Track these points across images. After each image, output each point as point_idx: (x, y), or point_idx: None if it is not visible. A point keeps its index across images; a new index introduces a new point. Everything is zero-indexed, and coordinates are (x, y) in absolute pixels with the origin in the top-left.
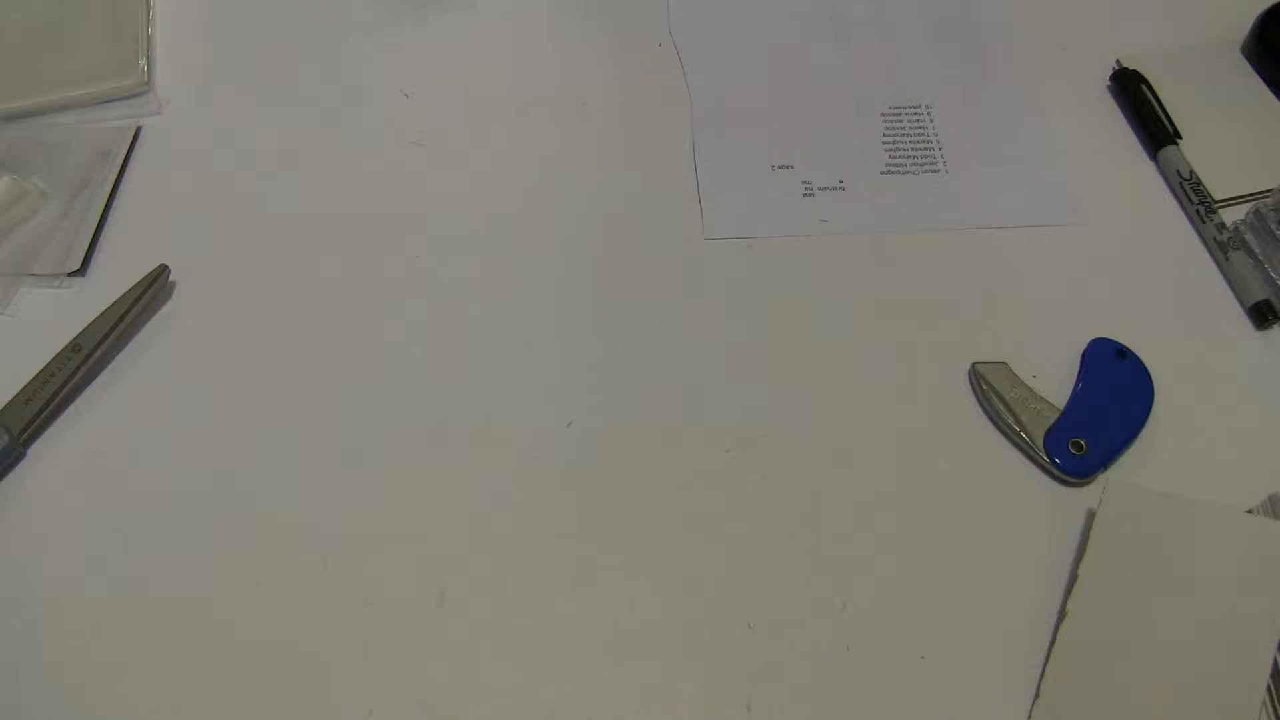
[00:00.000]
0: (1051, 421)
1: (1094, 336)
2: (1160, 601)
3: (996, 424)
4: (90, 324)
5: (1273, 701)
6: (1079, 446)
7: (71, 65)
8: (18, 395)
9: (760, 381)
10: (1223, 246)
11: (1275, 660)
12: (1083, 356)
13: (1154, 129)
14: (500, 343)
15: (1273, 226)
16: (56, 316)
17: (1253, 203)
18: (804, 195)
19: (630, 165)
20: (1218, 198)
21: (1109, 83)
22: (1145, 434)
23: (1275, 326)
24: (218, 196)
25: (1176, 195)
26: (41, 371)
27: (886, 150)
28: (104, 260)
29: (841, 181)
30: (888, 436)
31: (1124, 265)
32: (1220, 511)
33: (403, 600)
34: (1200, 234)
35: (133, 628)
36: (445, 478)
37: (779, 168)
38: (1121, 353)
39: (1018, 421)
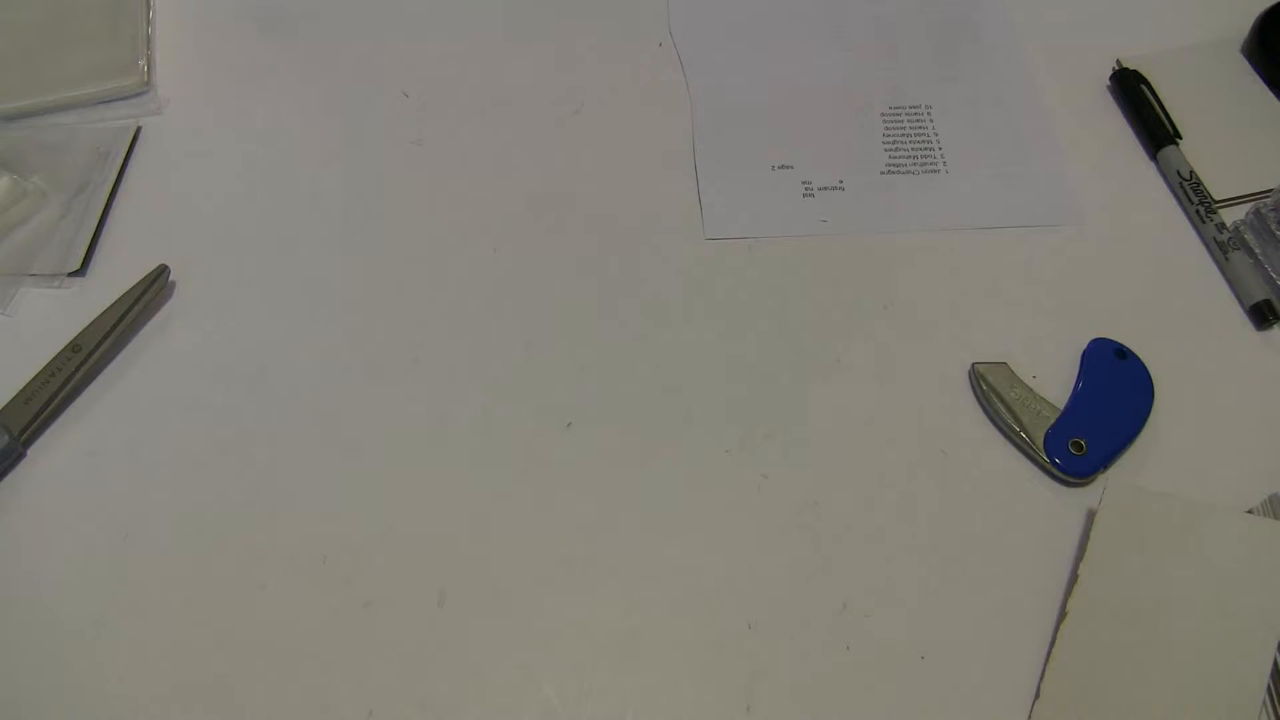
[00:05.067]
0: (1051, 421)
1: (1094, 336)
2: (1160, 601)
3: (996, 424)
4: (90, 324)
5: (1273, 701)
6: (1079, 446)
7: (71, 65)
8: (18, 395)
9: (760, 381)
10: (1223, 246)
11: (1275, 660)
12: (1083, 356)
13: (1154, 129)
14: (500, 343)
15: (1273, 226)
16: (56, 316)
17: (1253, 203)
18: (804, 195)
19: (630, 165)
20: (1218, 198)
21: (1109, 83)
22: (1145, 434)
23: (1275, 326)
24: (218, 196)
25: (1176, 195)
26: (41, 371)
27: (886, 150)
28: (104, 260)
29: (841, 181)
30: (888, 436)
31: (1124, 265)
32: (1220, 511)
33: (403, 600)
34: (1200, 234)
35: (133, 628)
36: (445, 478)
37: (779, 168)
38: (1121, 353)
39: (1018, 421)
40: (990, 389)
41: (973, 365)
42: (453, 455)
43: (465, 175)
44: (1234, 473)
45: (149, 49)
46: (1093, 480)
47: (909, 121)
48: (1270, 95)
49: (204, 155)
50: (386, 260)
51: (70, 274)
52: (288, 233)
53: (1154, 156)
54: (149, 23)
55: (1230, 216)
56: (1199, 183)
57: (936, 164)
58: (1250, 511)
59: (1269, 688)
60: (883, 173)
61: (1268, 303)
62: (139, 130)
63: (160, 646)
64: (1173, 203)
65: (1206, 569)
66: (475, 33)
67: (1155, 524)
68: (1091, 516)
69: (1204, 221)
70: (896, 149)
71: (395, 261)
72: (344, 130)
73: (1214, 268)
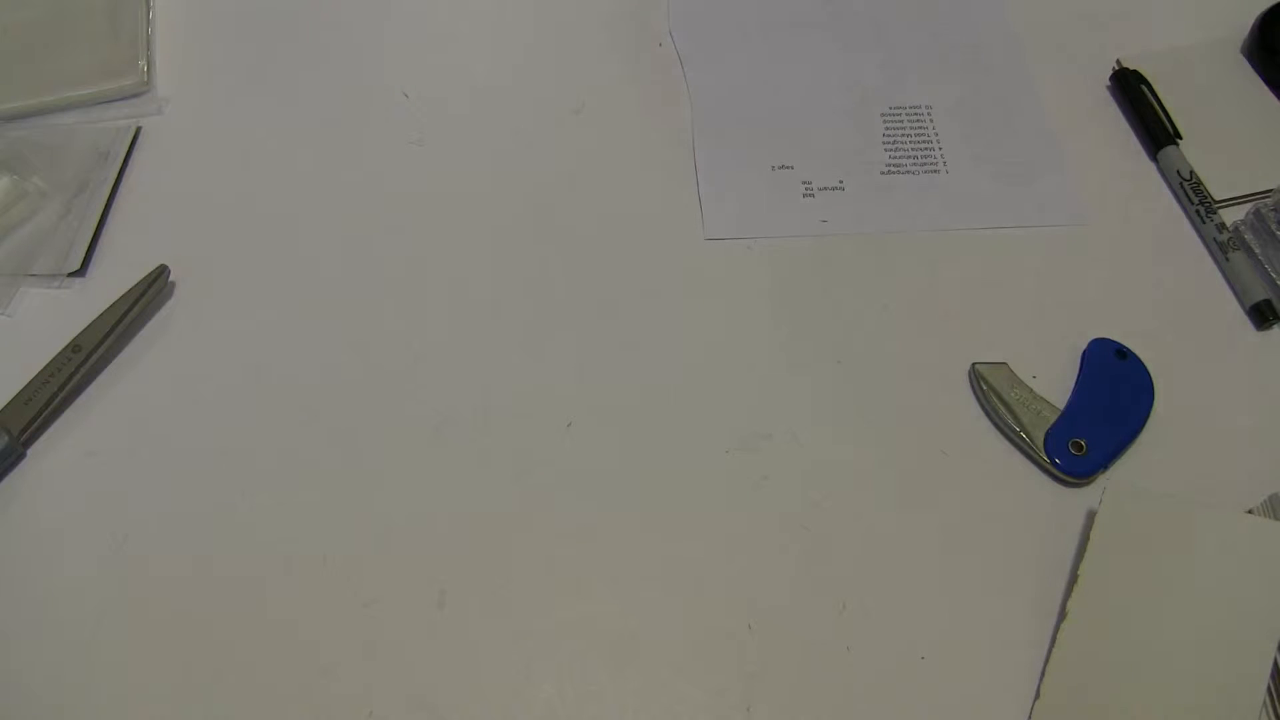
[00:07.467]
0: (1051, 422)
1: (1094, 336)
2: (1160, 601)
3: (996, 424)
4: (90, 324)
5: (1273, 701)
6: (1079, 447)
7: (71, 65)
8: (18, 395)
9: (760, 381)
10: (1223, 246)
11: (1275, 660)
12: (1083, 356)
13: (1154, 129)
14: (500, 343)
15: (1273, 226)
16: (56, 316)
17: (1253, 203)
18: (804, 195)
19: (630, 165)
20: (1218, 198)
21: (1109, 83)
22: (1145, 434)
23: (1275, 326)
24: (218, 196)
25: (1176, 195)
26: (41, 371)
27: (886, 150)
28: (104, 260)
29: (841, 181)
30: (888, 436)
31: (1124, 265)
32: (1220, 511)
33: (403, 600)
34: (1200, 234)
35: (133, 628)
36: (445, 478)
37: (779, 168)
38: (1121, 353)
39: (1018, 421)
40: (990, 389)
41: (973, 365)
42: (453, 455)
43: (465, 175)
44: (1234, 473)
45: (149, 49)
46: (1093, 480)
47: (909, 121)
48: (1270, 95)
49: (204, 155)
50: (386, 260)
51: (70, 274)
52: (288, 233)
53: (1154, 156)
54: (149, 23)
55: (1230, 216)
56: (1199, 183)
57: (936, 164)
58: (1250, 511)
59: (1269, 688)
60: (883, 173)
61: (1268, 303)
62: (139, 130)
63: (160, 646)
64: (1173, 203)
65: (1206, 569)
66: (475, 32)
67: (1155, 524)
68: (1091, 517)
69: (1204, 221)
70: (896, 149)
71: (395, 261)
72: (344, 130)
73: (1214, 268)
